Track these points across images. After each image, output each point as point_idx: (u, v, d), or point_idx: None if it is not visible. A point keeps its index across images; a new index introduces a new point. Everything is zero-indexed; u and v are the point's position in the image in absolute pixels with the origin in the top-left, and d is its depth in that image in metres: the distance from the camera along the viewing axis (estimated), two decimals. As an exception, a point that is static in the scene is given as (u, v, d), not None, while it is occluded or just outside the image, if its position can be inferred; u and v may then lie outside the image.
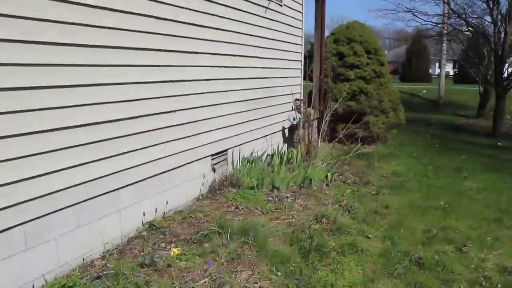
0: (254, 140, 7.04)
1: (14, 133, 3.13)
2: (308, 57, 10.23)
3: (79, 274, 3.59)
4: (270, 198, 5.70)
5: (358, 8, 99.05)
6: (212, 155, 5.88)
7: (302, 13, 8.94)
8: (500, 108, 14.81)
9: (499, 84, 14.85)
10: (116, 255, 4.00)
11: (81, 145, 3.70)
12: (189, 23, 5.11)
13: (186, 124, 5.18)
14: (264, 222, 4.81)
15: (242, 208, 5.24)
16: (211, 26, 5.55)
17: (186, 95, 5.15)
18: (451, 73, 44.43)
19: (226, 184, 5.93)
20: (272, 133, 7.79)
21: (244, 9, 6.38)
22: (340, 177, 7.20)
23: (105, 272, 3.59)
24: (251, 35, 6.68)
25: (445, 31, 19.28)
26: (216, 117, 5.84)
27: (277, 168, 6.40)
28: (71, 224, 3.68)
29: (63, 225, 3.60)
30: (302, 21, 8.96)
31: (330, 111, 8.19)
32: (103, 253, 4.02)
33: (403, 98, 14.04)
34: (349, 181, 7.02)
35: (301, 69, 9.06)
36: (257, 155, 6.98)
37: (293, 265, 3.96)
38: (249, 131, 6.82)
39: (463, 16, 16.66)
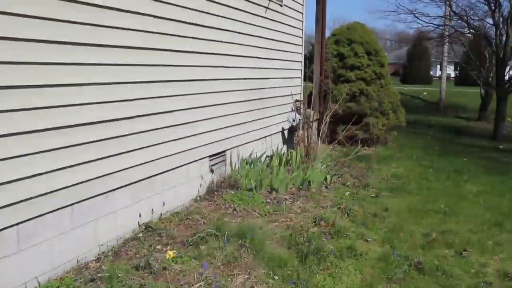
0: (253, 141, 6.98)
1: (7, 132, 3.07)
2: (309, 58, 10.18)
3: (73, 276, 3.54)
4: (268, 200, 5.65)
5: (360, 10, 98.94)
6: (210, 156, 5.83)
7: (302, 13, 8.89)
8: (501, 110, 14.75)
9: (501, 86, 14.79)
10: (111, 257, 3.94)
11: (77, 145, 3.65)
12: (185, 22, 5.05)
13: (183, 125, 5.12)
14: (262, 225, 4.76)
15: (240, 210, 5.18)
16: (209, 25, 5.49)
17: (184, 95, 5.10)
18: (452, 75, 44.39)
19: (224, 186, 5.88)
20: (271, 134, 7.73)
21: (243, 9, 6.33)
22: (340, 179, 7.14)
23: (99, 274, 3.54)
24: (251, 35, 6.62)
25: (446, 33, 19.22)
26: (215, 117, 5.78)
27: (276, 170, 6.34)
28: (65, 225, 3.63)
29: (58, 226, 3.55)
30: (302, 21, 8.91)
31: (330, 112, 8.13)
32: (98, 254, 3.97)
33: (404, 100, 13.97)
34: (348, 183, 6.95)
35: (301, 70, 9.01)
36: (256, 156, 6.92)
37: (291, 269, 3.90)
38: (248, 132, 6.77)
39: (465, 18, 16.61)
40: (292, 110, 8.25)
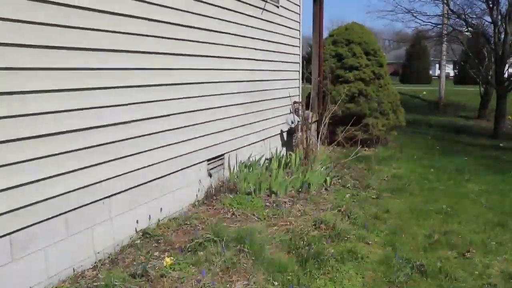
0: (251, 144, 6.92)
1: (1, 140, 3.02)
2: (307, 59, 10.12)
3: (68, 286, 3.49)
4: (267, 204, 5.58)
5: (358, 10, 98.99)
6: (208, 159, 5.76)
7: (299, 14, 8.83)
8: (501, 108, 14.69)
9: (500, 84, 14.73)
10: (108, 265, 3.88)
11: (72, 151, 3.59)
12: (179, 24, 4.99)
13: (181, 128, 5.07)
14: (261, 229, 4.69)
15: (238, 215, 5.11)
16: (204, 27, 5.43)
17: (181, 98, 5.04)
18: (451, 74, 44.33)
19: (223, 190, 5.81)
20: (270, 137, 7.67)
21: (239, 10, 6.27)
22: (340, 181, 7.06)
23: (95, 283, 3.48)
24: (247, 37, 6.56)
25: (444, 32, 19.17)
26: (212, 120, 5.72)
27: (275, 173, 6.27)
28: (61, 233, 3.56)
29: (53, 234, 3.49)
30: (299, 22, 8.85)
31: (329, 113, 8.07)
32: (95, 263, 3.91)
33: (403, 100, 13.90)
34: (348, 185, 6.88)
35: (299, 71, 8.95)
36: (255, 159, 6.85)
37: (291, 273, 3.83)
38: (246, 134, 6.70)
39: (463, 16, 16.56)
40: (290, 112, 8.18)
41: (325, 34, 11.75)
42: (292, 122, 7.93)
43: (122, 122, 4.13)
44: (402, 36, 35.24)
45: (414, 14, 18.38)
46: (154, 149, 4.62)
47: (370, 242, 4.69)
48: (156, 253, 4.08)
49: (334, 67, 10.63)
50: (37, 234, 3.33)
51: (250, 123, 6.80)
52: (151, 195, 4.66)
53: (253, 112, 6.88)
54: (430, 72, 44.29)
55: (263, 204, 5.51)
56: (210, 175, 5.80)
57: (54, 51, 3.39)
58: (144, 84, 4.41)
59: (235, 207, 5.27)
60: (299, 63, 8.92)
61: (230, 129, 6.21)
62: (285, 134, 8.29)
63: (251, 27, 6.68)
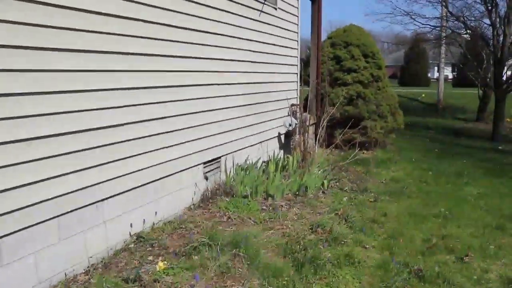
0: (248, 146, 6.86)
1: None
2: (306, 62, 10.08)
3: (59, 291, 3.41)
4: (264, 207, 5.52)
5: (357, 12, 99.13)
6: (205, 162, 5.70)
7: (297, 16, 8.79)
8: (500, 111, 14.64)
9: (499, 87, 14.68)
10: (100, 270, 3.81)
11: (63, 154, 3.53)
12: (175, 26, 4.94)
13: (176, 131, 5.00)
14: (257, 233, 4.63)
15: (234, 218, 5.05)
16: (200, 29, 5.38)
17: (176, 101, 4.98)
18: (450, 76, 44.34)
19: (219, 193, 5.75)
20: (267, 140, 7.61)
21: (236, 12, 6.22)
22: (337, 184, 7.01)
23: (87, 288, 3.41)
24: (245, 39, 6.51)
25: (443, 34, 19.14)
26: (209, 123, 5.66)
27: (272, 176, 6.21)
28: (53, 237, 3.50)
29: (44, 238, 3.42)
30: (297, 24, 8.81)
31: (327, 116, 8.02)
32: (88, 267, 3.84)
33: (402, 102, 13.87)
34: (346, 188, 6.83)
35: (297, 73, 8.90)
36: (252, 162, 6.80)
37: (286, 278, 3.76)
38: (243, 137, 6.65)
39: (462, 18, 16.52)
40: (288, 115, 8.13)
41: (324, 37, 11.74)
42: (290, 125, 7.87)
43: (115, 125, 4.07)
44: (400, 39, 35.17)
45: (413, 17, 18.36)
46: (148, 152, 4.55)
47: (367, 246, 4.63)
48: (150, 257, 4.02)
49: (333, 69, 10.59)
50: (27, 238, 3.27)
51: (247, 126, 6.74)
52: (146, 199, 4.59)
53: (250, 115, 6.83)
54: (429, 74, 44.29)
55: (259, 208, 5.45)
56: (206, 178, 5.74)
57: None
58: (136, 86, 4.35)
59: (231, 211, 5.21)
60: (297, 65, 8.87)
61: (227, 131, 6.15)
62: (282, 137, 8.23)
63: (249, 29, 6.63)
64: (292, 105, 8.24)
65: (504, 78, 15.14)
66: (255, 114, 6.99)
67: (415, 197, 6.72)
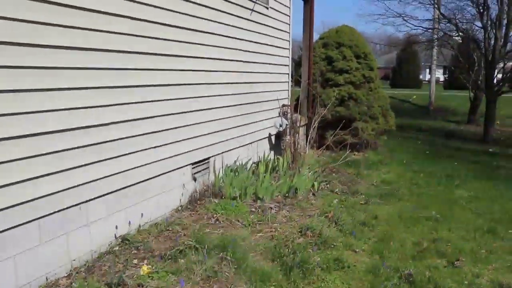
0: (238, 147, 6.77)
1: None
2: (298, 62, 10.01)
3: (39, 295, 3.31)
4: (253, 209, 5.43)
5: (350, 13, 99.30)
6: (193, 163, 5.60)
7: (289, 16, 8.71)
8: (491, 113, 14.67)
9: (490, 89, 14.72)
10: (83, 273, 3.71)
11: (45, 154, 3.42)
12: (165, 24, 4.83)
13: (164, 131, 4.90)
14: (245, 236, 4.54)
15: (222, 220, 4.96)
16: (190, 28, 5.28)
17: (165, 100, 4.88)
18: (441, 79, 44.53)
19: (208, 194, 5.66)
20: (257, 140, 7.52)
21: (227, 11, 6.12)
22: (328, 185, 6.94)
23: (68, 293, 3.31)
24: (235, 38, 6.42)
25: (435, 36, 19.16)
26: (197, 123, 5.56)
27: (262, 177, 6.12)
28: (33, 240, 3.39)
29: (24, 241, 3.31)
30: (289, 24, 8.73)
31: (318, 117, 7.95)
32: (70, 271, 3.74)
33: (393, 104, 13.83)
34: (337, 190, 6.76)
35: (288, 73, 8.82)
36: (242, 163, 6.71)
37: (274, 283, 3.69)
38: (233, 138, 6.55)
39: (454, 21, 16.54)
40: (279, 115, 8.05)
41: (317, 37, 11.66)
42: (281, 126, 7.79)
43: (100, 124, 3.96)
44: (393, 40, 35.25)
45: (405, 18, 18.37)
46: (135, 152, 4.45)
47: (357, 250, 4.55)
48: (135, 261, 3.92)
49: (324, 70, 10.51)
50: (6, 241, 3.16)
51: (237, 126, 6.65)
52: (132, 200, 4.49)
53: (240, 115, 6.73)
54: (421, 76, 44.44)
55: (248, 210, 5.36)
56: (194, 179, 5.64)
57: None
58: (125, 85, 4.24)
59: (219, 213, 5.12)
60: (288, 65, 8.79)
61: (216, 132, 6.05)
62: (273, 138, 8.15)
63: (240, 28, 6.54)
64: (283, 105, 8.16)
65: (495, 81, 15.16)
66: (245, 114, 6.90)
67: (406, 199, 6.66)
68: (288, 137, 7.64)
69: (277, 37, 8.11)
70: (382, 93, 11.13)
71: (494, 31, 14.56)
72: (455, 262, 4.40)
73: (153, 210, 4.83)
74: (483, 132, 14.83)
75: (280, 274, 3.86)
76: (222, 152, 6.29)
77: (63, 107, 3.56)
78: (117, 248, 4.16)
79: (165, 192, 5.04)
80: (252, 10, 6.91)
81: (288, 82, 8.85)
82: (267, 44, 7.63)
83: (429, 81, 24.83)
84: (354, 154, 9.73)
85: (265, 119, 7.73)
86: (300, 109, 8.90)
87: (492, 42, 14.69)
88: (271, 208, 5.53)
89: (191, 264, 3.79)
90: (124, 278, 3.49)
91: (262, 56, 7.45)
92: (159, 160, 4.85)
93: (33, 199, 3.34)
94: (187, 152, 5.41)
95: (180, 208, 5.31)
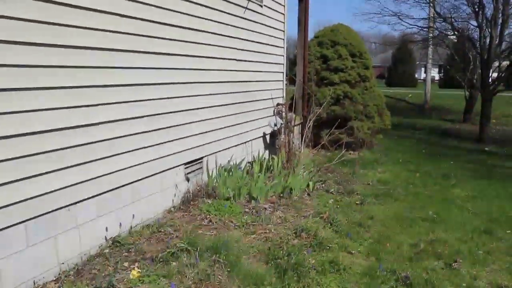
0: (232, 146, 6.67)
1: None
2: (293, 61, 9.91)
3: (25, 300, 3.20)
4: (246, 210, 5.33)
5: (345, 12, 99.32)
6: (186, 163, 5.50)
7: (284, 14, 8.61)
8: (486, 112, 14.62)
9: (485, 88, 14.67)
10: (72, 277, 3.61)
11: (32, 155, 3.32)
12: (154, 22, 4.73)
13: (157, 131, 4.80)
14: (239, 237, 4.45)
15: (215, 221, 4.86)
16: (181, 25, 5.17)
17: (156, 99, 4.77)
18: (437, 77, 44.58)
19: (201, 195, 5.56)
20: (252, 140, 7.43)
21: (220, 9, 6.02)
22: (323, 185, 6.86)
23: (55, 298, 3.21)
24: (229, 36, 6.32)
25: (431, 35, 19.12)
26: (190, 122, 5.46)
27: (256, 177, 6.02)
28: (20, 243, 3.29)
29: (10, 244, 3.21)
30: (284, 22, 8.63)
31: (313, 116, 7.86)
32: (59, 274, 3.63)
33: (389, 103, 13.76)
34: (332, 189, 6.67)
35: (283, 72, 8.73)
36: (236, 162, 6.61)
37: (268, 287, 3.59)
38: (227, 137, 6.45)
39: (449, 20, 16.50)
40: (273, 114, 7.95)
41: (311, 35, 11.57)
42: (275, 125, 7.70)
43: (89, 124, 3.86)
44: (388, 39, 35.26)
45: (401, 17, 18.31)
46: (126, 152, 4.35)
47: (353, 252, 4.47)
48: (126, 264, 3.82)
49: (319, 68, 10.43)
50: (-9, 245, 3.06)
51: (231, 125, 6.55)
52: (123, 201, 4.39)
53: (234, 114, 6.64)
54: (416, 75, 44.50)
55: (242, 211, 5.26)
56: (187, 180, 5.54)
57: None
58: (113, 83, 4.14)
59: (212, 214, 5.02)
60: (283, 64, 8.70)
61: (210, 131, 5.95)
62: (268, 137, 8.06)
63: (233, 26, 6.44)
64: (278, 104, 8.07)
65: (490, 80, 15.12)
66: (239, 113, 6.80)
67: (402, 199, 6.58)
68: (282, 136, 7.55)
69: (271, 36, 8.02)
70: (377, 92, 11.06)
71: (489, 30, 14.51)
72: (453, 264, 4.32)
73: (145, 211, 4.72)
74: (478, 131, 14.78)
75: (274, 277, 3.77)
76: (216, 152, 6.19)
77: (50, 107, 3.45)
78: (107, 250, 4.06)
79: (157, 193, 4.94)
80: (246, 8, 6.81)
81: (283, 80, 8.75)
82: (261, 43, 7.54)
83: (425, 80, 24.81)
84: (350, 153, 9.66)
85: (260, 118, 7.63)
86: (295, 108, 8.80)
87: (488, 41, 14.64)
88: (265, 208, 5.44)
89: (183, 267, 3.70)
90: (114, 282, 3.39)
91: (257, 55, 7.36)
92: (151, 160, 4.75)
93: (19, 201, 3.23)
94: (180, 152, 5.30)
95: (172, 209, 5.21)
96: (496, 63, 15.81)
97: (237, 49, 6.60)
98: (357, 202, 6.22)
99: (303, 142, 7.83)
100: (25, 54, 3.22)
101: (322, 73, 10.37)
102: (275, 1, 8.15)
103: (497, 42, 14.52)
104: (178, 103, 5.18)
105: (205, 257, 3.89)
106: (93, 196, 3.97)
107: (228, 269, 3.76)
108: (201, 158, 5.85)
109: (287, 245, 4.36)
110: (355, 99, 10.25)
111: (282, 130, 7.61)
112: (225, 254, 3.91)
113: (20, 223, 3.27)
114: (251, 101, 7.20)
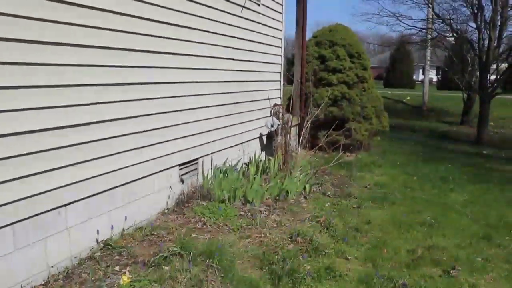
0: (228, 148, 6.58)
1: None
2: (291, 61, 9.82)
3: (12, 306, 3.10)
4: (242, 213, 5.24)
5: (343, 13, 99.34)
6: (181, 164, 5.40)
7: (282, 13, 8.52)
8: (484, 115, 14.59)
9: (484, 90, 14.62)
10: (61, 281, 3.51)
11: (20, 155, 3.21)
12: (149, 19, 4.63)
13: (151, 131, 4.70)
14: (233, 242, 4.36)
15: (210, 225, 4.76)
16: (176, 23, 5.08)
17: (150, 99, 4.67)
18: (435, 79, 44.56)
19: (196, 196, 5.47)
20: (248, 140, 7.33)
21: (216, 7, 5.92)
22: (320, 188, 6.77)
23: (43, 303, 3.11)
24: (225, 35, 6.22)
25: (429, 36, 19.07)
26: (185, 123, 5.36)
27: (251, 179, 5.93)
28: (7, 246, 3.19)
29: (-3, 247, 3.11)
30: (282, 22, 8.54)
31: (311, 117, 7.78)
32: (48, 278, 3.54)
33: (387, 104, 13.70)
34: (329, 192, 6.58)
35: (280, 72, 8.64)
36: (231, 164, 6.52)
37: (261, 294, 3.51)
38: (223, 138, 6.36)
39: (448, 21, 16.46)
40: (270, 115, 7.86)
41: (310, 35, 11.47)
42: (272, 126, 7.60)
43: (81, 124, 3.76)
44: (386, 40, 35.21)
45: (399, 18, 18.26)
46: (118, 153, 4.25)
47: (349, 258, 4.38)
48: (117, 268, 3.73)
49: (317, 69, 10.33)
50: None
51: (227, 126, 6.46)
52: (115, 203, 4.29)
53: (230, 114, 6.54)
54: (414, 77, 44.46)
55: (237, 213, 5.17)
56: (182, 181, 5.44)
57: None
58: (104, 83, 4.03)
59: (207, 216, 4.93)
60: (280, 64, 8.60)
61: (205, 132, 5.86)
62: (264, 138, 7.97)
63: (230, 25, 6.34)
64: (275, 105, 7.98)
65: (489, 82, 15.09)
66: (236, 113, 6.71)
67: (399, 203, 6.49)
68: (279, 137, 7.46)
69: (269, 35, 7.93)
70: (375, 93, 10.98)
71: (488, 32, 14.49)
72: (451, 271, 4.23)
73: (138, 214, 4.63)
74: (476, 134, 14.75)
75: (268, 283, 3.69)
76: (211, 153, 6.10)
77: (40, 106, 3.35)
78: (98, 253, 3.96)
79: (151, 195, 4.85)
80: (243, 6, 6.72)
81: (280, 81, 8.67)
82: (258, 42, 7.44)
83: (423, 82, 24.77)
84: (347, 155, 9.56)
85: (256, 119, 7.54)
86: (292, 109, 8.71)
87: (486, 43, 14.61)
88: (261, 212, 5.35)
89: (175, 272, 3.60)
90: (104, 287, 3.29)
91: (254, 54, 7.26)
92: (144, 161, 4.65)
93: (6, 203, 3.13)
94: (175, 152, 5.21)
95: (166, 211, 5.11)
96: (495, 66, 15.78)
97: (233, 48, 6.50)
98: (354, 206, 6.13)
99: (300, 144, 7.75)
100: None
101: (320, 74, 10.27)
102: (273, 0, 8.06)
103: (495, 44, 14.51)
104: (171, 103, 5.08)
105: (198, 261, 3.80)
106: (84, 198, 3.88)
107: (222, 275, 3.67)
108: (197, 159, 5.76)
109: (282, 250, 4.28)
110: (353, 100, 10.16)
111: (279, 131, 7.52)
112: (219, 259, 3.82)
113: (7, 225, 3.17)
114: (248, 101, 7.10)
